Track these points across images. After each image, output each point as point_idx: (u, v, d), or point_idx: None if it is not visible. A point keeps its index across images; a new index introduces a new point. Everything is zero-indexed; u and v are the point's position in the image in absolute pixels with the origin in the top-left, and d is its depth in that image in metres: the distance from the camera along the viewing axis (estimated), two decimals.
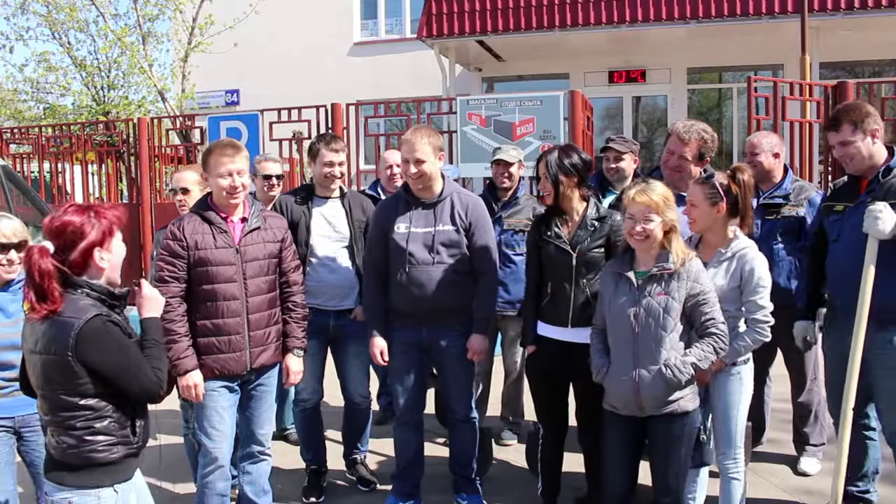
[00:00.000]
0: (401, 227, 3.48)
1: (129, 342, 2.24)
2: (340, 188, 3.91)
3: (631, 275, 2.90)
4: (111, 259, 2.27)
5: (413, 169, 3.42)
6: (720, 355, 2.84)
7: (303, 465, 4.05)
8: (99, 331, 2.14)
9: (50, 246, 2.19)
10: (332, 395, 4.13)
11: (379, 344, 3.59)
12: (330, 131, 8.23)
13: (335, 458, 4.16)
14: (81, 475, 2.22)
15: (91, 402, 2.18)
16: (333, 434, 4.41)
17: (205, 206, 3.25)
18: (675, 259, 2.81)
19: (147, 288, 2.44)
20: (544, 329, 3.39)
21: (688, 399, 2.85)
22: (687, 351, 2.81)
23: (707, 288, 2.81)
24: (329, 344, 3.92)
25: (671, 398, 2.82)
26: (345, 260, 3.82)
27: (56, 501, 2.23)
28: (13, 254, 2.87)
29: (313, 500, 3.90)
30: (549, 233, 3.34)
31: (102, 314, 2.17)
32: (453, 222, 3.48)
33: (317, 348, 3.81)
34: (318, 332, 3.76)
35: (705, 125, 3.60)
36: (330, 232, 3.81)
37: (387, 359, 3.60)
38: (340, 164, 3.81)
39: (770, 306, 2.96)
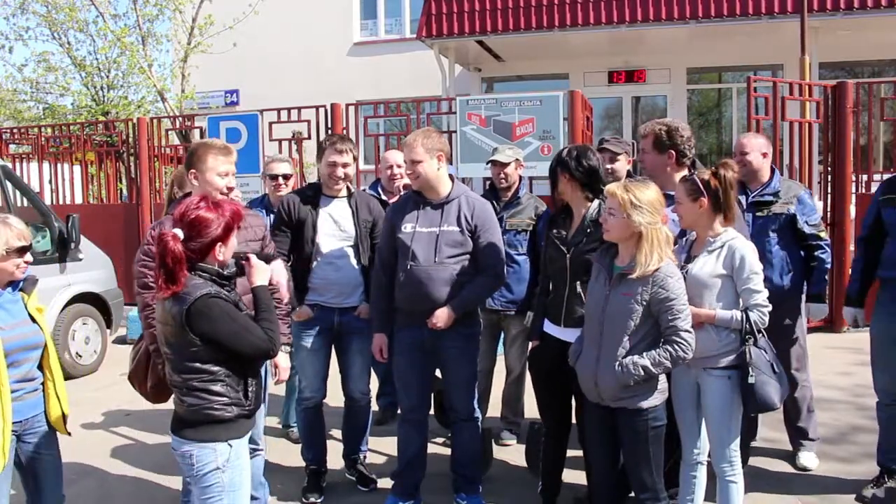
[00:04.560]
0: (407, 227, 3.53)
1: (237, 311, 2.53)
2: (348, 188, 3.94)
3: (607, 269, 2.95)
4: (226, 252, 2.60)
5: (409, 170, 3.50)
6: (678, 363, 2.84)
7: (303, 464, 4.05)
8: (206, 305, 2.45)
9: (180, 233, 2.47)
10: (332, 394, 4.13)
11: (379, 341, 3.63)
12: (330, 131, 8.22)
13: (335, 457, 4.16)
14: (200, 430, 2.53)
15: (206, 366, 2.50)
16: (333, 433, 4.41)
17: None
18: (639, 265, 2.80)
19: (254, 259, 2.74)
20: (547, 326, 3.44)
21: (642, 397, 2.87)
22: (644, 354, 2.81)
23: (674, 295, 2.79)
24: (333, 341, 3.94)
25: (623, 394, 2.87)
26: (350, 258, 3.85)
27: (181, 453, 2.55)
28: (28, 255, 2.89)
29: (313, 499, 3.90)
30: (554, 231, 3.39)
31: (211, 291, 2.48)
32: (458, 224, 3.50)
33: (321, 344, 3.86)
34: (323, 329, 3.81)
35: (668, 120, 3.66)
36: (336, 231, 3.84)
37: (386, 355, 3.64)
38: (345, 165, 3.81)
39: (765, 291, 3.00)
